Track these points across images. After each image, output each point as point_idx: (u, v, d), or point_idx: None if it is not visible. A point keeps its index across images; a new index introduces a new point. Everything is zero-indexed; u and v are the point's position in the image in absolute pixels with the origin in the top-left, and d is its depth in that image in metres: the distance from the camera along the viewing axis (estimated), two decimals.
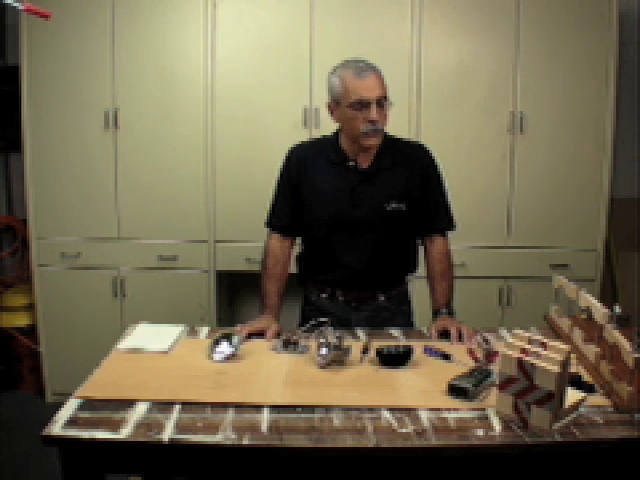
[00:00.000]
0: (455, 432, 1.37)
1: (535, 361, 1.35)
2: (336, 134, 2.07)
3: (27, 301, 3.45)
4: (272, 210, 2.14)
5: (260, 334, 1.92)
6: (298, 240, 2.19)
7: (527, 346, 1.39)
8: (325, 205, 2.03)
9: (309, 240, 2.14)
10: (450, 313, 2.05)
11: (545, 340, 1.39)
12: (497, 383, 1.44)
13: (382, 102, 1.90)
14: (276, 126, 3.12)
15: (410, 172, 2.03)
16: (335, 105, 1.96)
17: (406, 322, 2.17)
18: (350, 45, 3.02)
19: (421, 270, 2.18)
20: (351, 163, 2.01)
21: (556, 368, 1.32)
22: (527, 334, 1.42)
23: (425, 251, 2.14)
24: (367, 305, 2.10)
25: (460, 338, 1.89)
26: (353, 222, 2.01)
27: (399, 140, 2.10)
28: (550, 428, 1.35)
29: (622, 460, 1.40)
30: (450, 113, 3.10)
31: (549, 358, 1.34)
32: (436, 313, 2.06)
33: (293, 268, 2.19)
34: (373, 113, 1.87)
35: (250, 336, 1.91)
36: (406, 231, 2.09)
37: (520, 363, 1.37)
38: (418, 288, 2.36)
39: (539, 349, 1.37)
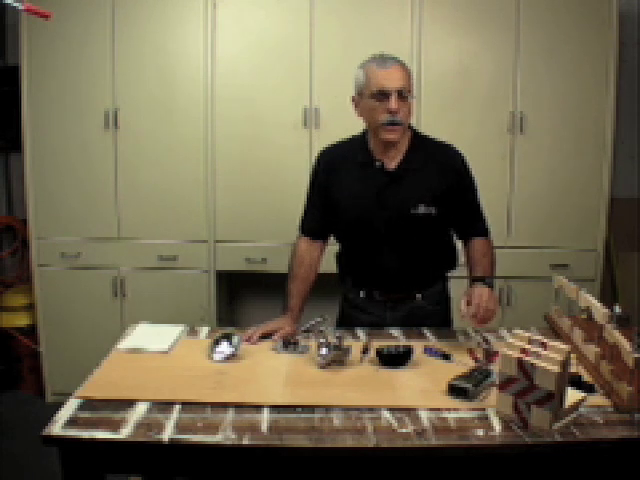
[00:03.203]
0: (455, 432, 1.37)
1: (535, 361, 1.35)
2: (364, 134, 2.02)
3: (27, 301, 3.45)
4: (304, 213, 2.12)
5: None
6: (332, 240, 2.16)
7: (527, 346, 1.39)
8: (352, 207, 1.99)
9: (343, 241, 2.12)
10: (490, 285, 1.90)
11: (545, 340, 1.39)
12: (497, 383, 1.44)
13: (404, 94, 1.85)
14: (276, 126, 3.12)
15: (441, 174, 1.96)
16: (359, 98, 1.93)
17: (442, 321, 2.12)
18: (350, 45, 3.02)
19: (459, 271, 2.14)
20: (378, 164, 1.95)
21: (556, 368, 1.32)
22: (527, 334, 1.42)
23: (465, 250, 2.06)
24: (403, 305, 2.07)
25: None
26: (380, 225, 1.97)
27: (429, 140, 2.03)
28: (550, 428, 1.35)
29: (622, 460, 1.40)
30: (450, 113, 3.10)
31: (549, 358, 1.34)
32: (473, 281, 1.93)
33: (326, 267, 2.16)
34: (392, 103, 1.83)
35: (264, 337, 1.90)
36: (439, 233, 2.04)
37: (520, 363, 1.37)
38: (454, 288, 2.28)
39: (539, 349, 1.37)
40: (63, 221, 3.26)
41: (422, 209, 1.93)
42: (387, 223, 1.96)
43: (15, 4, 1.83)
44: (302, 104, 3.10)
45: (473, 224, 2.06)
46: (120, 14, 3.07)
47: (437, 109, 3.10)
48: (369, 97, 1.87)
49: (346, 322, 2.15)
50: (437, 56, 3.07)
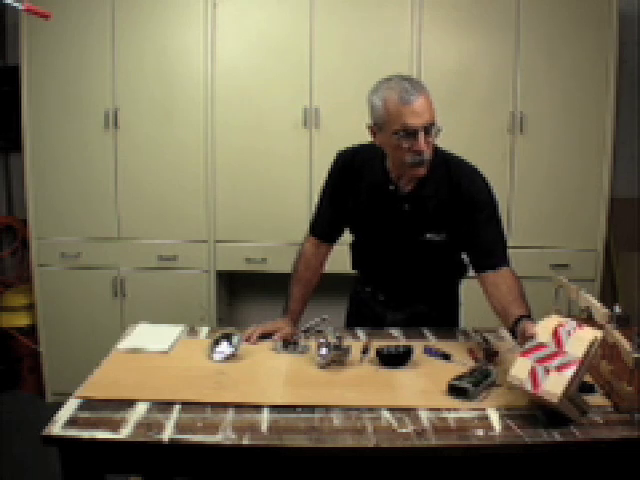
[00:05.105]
0: (455, 432, 1.37)
1: (574, 329, 1.41)
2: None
3: (27, 301, 3.45)
4: (315, 214, 2.06)
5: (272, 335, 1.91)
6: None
7: (564, 321, 1.46)
8: (360, 223, 1.98)
9: (355, 236, 2.08)
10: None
11: (581, 322, 1.45)
12: (498, 380, 1.45)
13: (430, 129, 1.72)
14: (276, 126, 3.12)
15: (455, 201, 1.82)
16: (377, 129, 1.77)
17: (444, 324, 2.07)
18: (350, 45, 3.03)
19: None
20: (391, 187, 1.85)
21: (592, 337, 1.39)
22: (562, 318, 1.49)
23: (486, 285, 1.81)
24: (407, 307, 2.06)
25: None
26: (388, 245, 1.94)
27: (451, 158, 1.88)
28: (559, 399, 1.33)
29: (622, 460, 1.40)
30: (450, 113, 3.09)
31: (586, 330, 1.41)
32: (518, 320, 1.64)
33: (330, 267, 2.13)
34: (420, 144, 1.69)
35: (263, 337, 1.89)
36: (449, 254, 1.96)
37: (556, 331, 1.42)
38: (464, 288, 2.25)
39: (574, 328, 1.43)
40: (63, 221, 3.26)
41: (432, 235, 1.86)
42: (395, 245, 1.93)
43: (15, 4, 1.83)
44: (302, 104, 3.10)
45: (491, 256, 1.82)
46: (120, 14, 3.08)
47: (437, 109, 3.08)
48: (391, 133, 1.71)
49: (352, 310, 2.18)
50: (437, 56, 3.07)
